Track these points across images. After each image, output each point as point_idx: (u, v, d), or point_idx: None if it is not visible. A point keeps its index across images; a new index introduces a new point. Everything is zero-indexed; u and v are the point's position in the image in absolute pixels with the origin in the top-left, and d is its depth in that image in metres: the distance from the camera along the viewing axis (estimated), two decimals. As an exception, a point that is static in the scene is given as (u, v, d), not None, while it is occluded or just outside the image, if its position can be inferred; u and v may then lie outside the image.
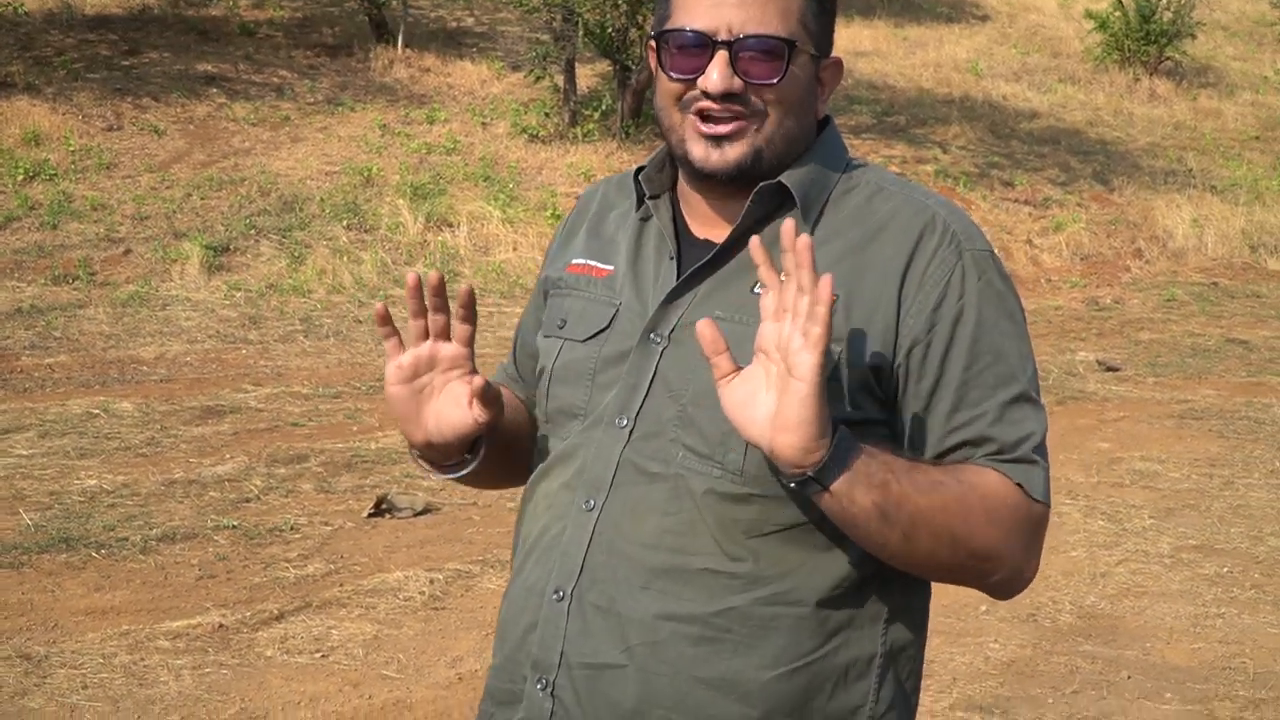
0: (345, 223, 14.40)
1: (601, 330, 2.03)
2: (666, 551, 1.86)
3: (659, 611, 1.86)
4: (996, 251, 1.95)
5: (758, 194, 1.91)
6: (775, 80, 1.88)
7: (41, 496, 7.79)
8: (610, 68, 17.88)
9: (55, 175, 14.77)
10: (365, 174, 15.62)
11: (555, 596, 1.92)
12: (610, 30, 17.11)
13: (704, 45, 1.87)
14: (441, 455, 2.06)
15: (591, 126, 17.27)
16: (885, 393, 1.87)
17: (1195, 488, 8.79)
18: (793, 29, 1.89)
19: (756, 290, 1.83)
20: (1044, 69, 22.64)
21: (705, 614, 1.84)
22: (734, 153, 1.89)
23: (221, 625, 6.06)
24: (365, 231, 14.35)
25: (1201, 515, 8.21)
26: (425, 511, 7.79)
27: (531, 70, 17.86)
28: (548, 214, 14.92)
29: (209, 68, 18.50)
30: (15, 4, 18.20)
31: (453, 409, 1.97)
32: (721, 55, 1.85)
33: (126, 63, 18.38)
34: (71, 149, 15.42)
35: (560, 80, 17.68)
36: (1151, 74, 23.05)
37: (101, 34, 19.41)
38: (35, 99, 16.41)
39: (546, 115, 17.70)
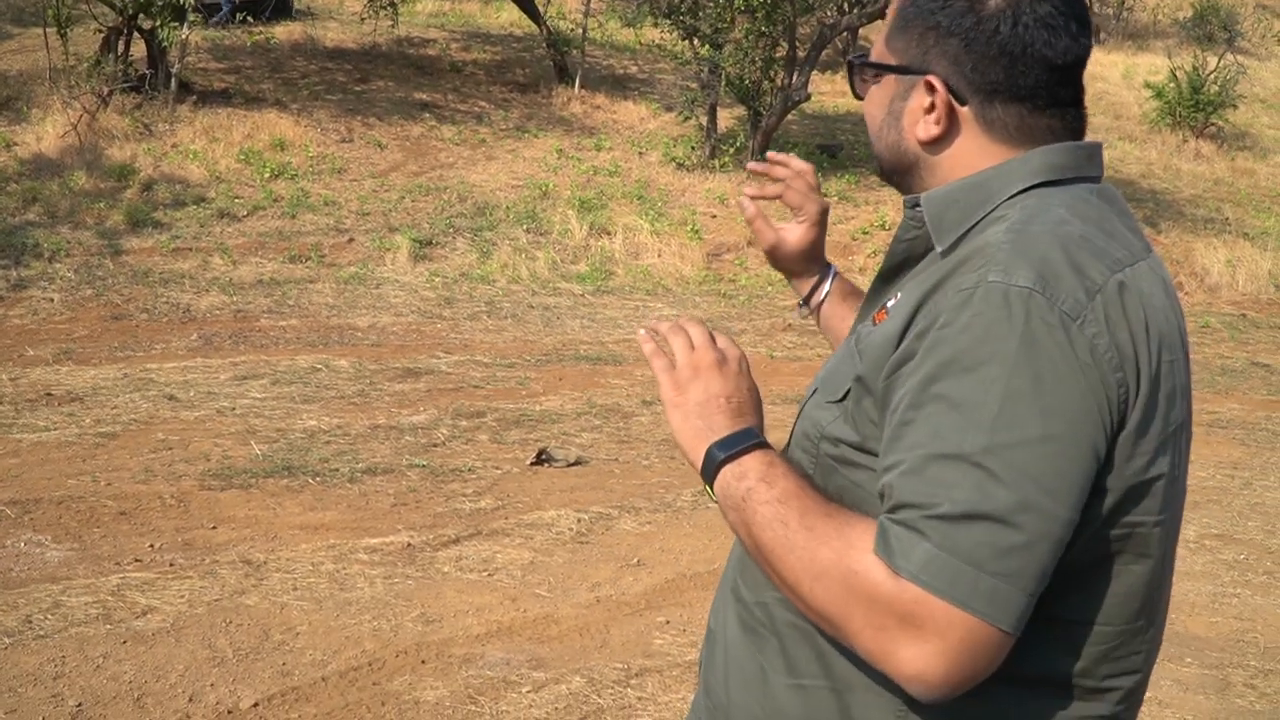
0: (525, 227, 14.40)
1: None
2: (732, 568, 1.68)
3: (730, 590, 1.66)
4: (1044, 296, 1.30)
5: (906, 208, 1.57)
6: (859, 98, 1.64)
7: (270, 432, 7.86)
8: (745, 112, 17.65)
9: (296, 175, 15.00)
10: (543, 189, 15.60)
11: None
12: (747, 82, 16.93)
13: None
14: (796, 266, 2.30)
15: (727, 159, 17.06)
16: (878, 419, 1.43)
17: (1219, 486, 8.40)
18: (880, 48, 1.59)
19: (886, 305, 1.51)
20: (1106, 128, 21.84)
21: (751, 601, 1.58)
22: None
23: (409, 544, 6.03)
24: (540, 235, 14.32)
25: (1223, 509, 7.84)
26: (577, 463, 7.70)
27: (681, 111, 17.72)
28: (688, 229, 14.78)
29: (424, 96, 18.70)
30: (268, 35, 18.52)
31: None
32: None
33: (358, 88, 18.64)
34: (310, 155, 15.66)
35: (704, 120, 17.49)
36: (1198, 136, 22.36)
37: (338, 63, 19.71)
38: (282, 112, 16.71)
39: (691, 149, 17.51)
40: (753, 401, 1.59)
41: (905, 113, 1.55)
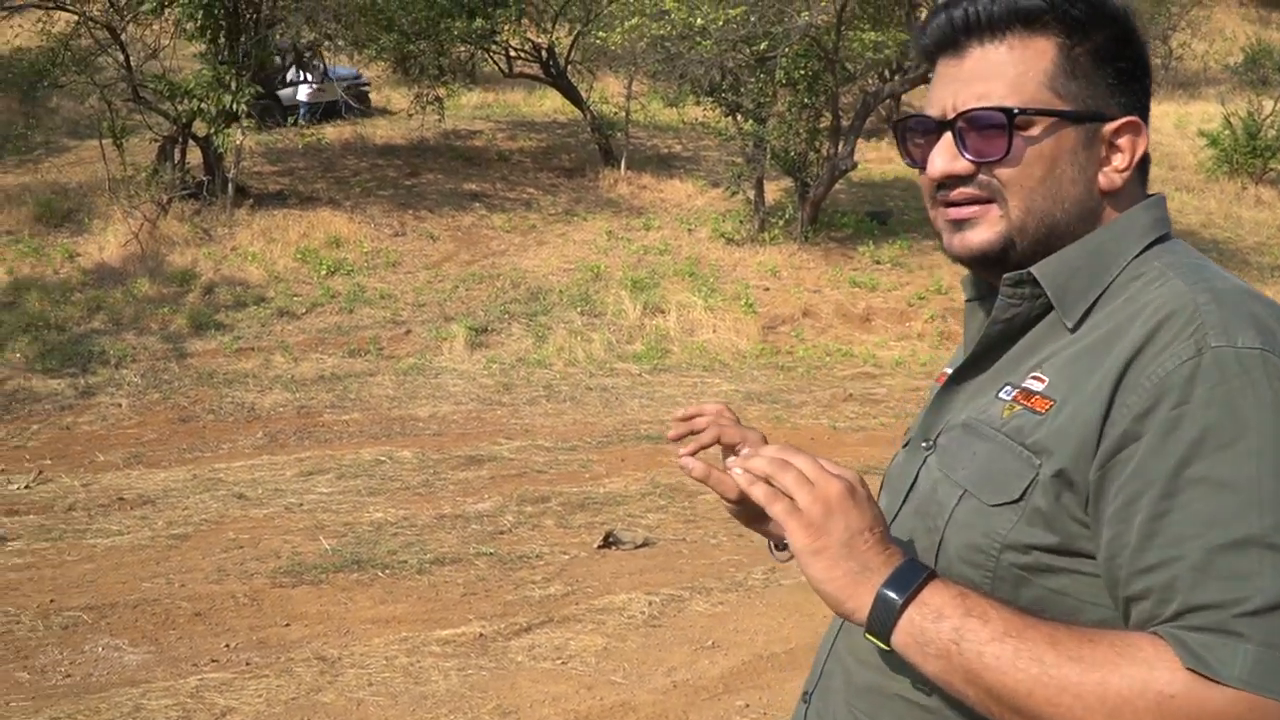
0: (579, 309, 14.50)
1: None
2: (873, 670, 1.44)
3: None
4: (1276, 355, 1.21)
5: (1006, 285, 1.41)
6: (999, 156, 1.37)
7: (338, 526, 7.91)
8: (793, 184, 17.75)
9: (352, 271, 15.26)
10: (595, 270, 15.74)
11: (803, 697, 1.62)
12: (793, 154, 17.05)
13: (932, 130, 1.44)
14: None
15: (777, 232, 17.13)
16: (1084, 516, 1.27)
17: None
18: (1027, 95, 1.37)
19: (1001, 395, 1.38)
20: (1161, 180, 21.72)
21: None
22: (976, 238, 1.41)
23: (481, 634, 6.01)
24: (595, 316, 14.42)
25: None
26: (645, 545, 7.67)
27: (728, 187, 17.87)
28: (742, 303, 14.81)
29: (473, 186, 19.02)
30: (319, 136, 18.94)
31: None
32: (945, 138, 1.41)
33: (408, 182, 18.98)
34: (365, 250, 15.94)
35: (751, 194, 17.61)
36: (1257, 182, 22.11)
37: (388, 159, 20.10)
38: (336, 210, 17.06)
39: (740, 223, 17.61)
40: (887, 526, 1.35)
41: (1092, 162, 1.40)
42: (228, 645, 5.83)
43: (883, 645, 1.28)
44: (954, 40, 1.42)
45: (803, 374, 13.16)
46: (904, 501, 1.49)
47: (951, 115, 1.41)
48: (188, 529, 7.74)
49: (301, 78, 22.16)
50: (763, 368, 13.35)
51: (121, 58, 16.85)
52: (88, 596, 6.39)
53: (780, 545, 1.86)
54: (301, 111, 22.24)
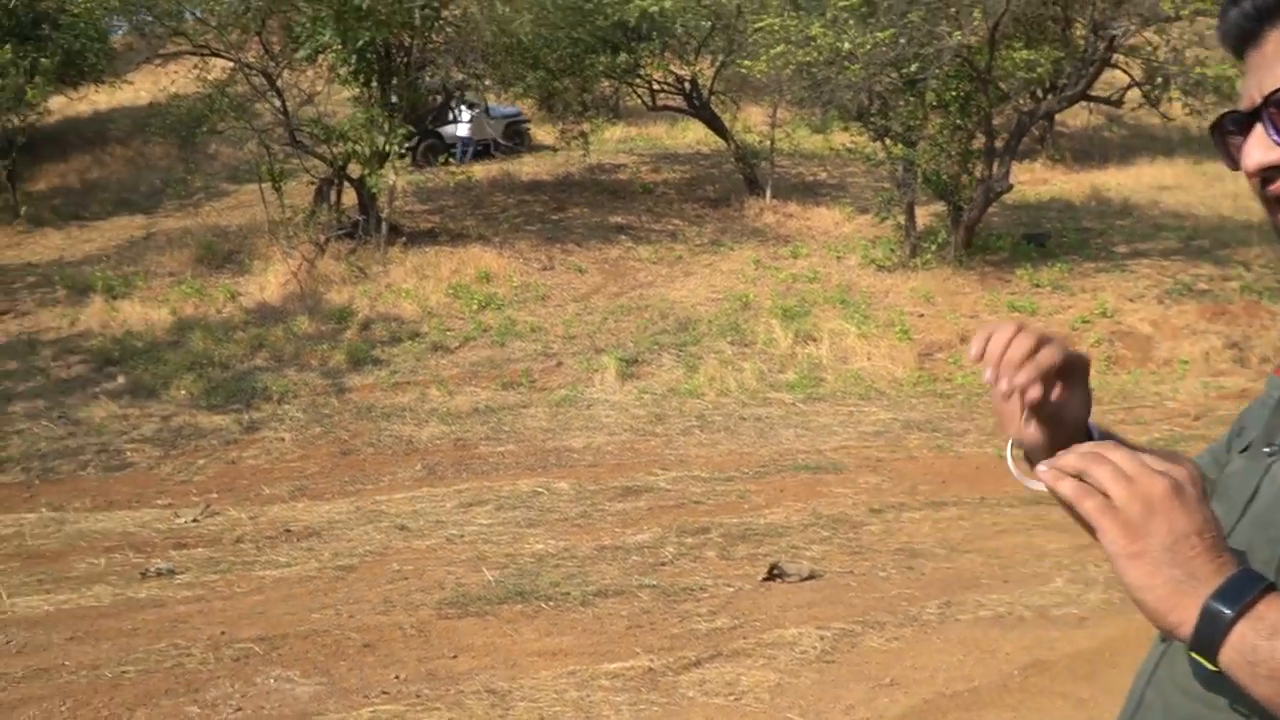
0: (729, 339, 14.34)
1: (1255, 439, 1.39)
2: (1195, 700, 1.29)
3: None
4: None
5: None
6: None
7: (499, 558, 7.86)
8: (944, 208, 17.34)
9: (502, 305, 15.38)
10: (743, 300, 15.59)
11: None
12: (944, 177, 16.65)
13: (1244, 123, 1.30)
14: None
15: (929, 257, 16.74)
16: None
17: None
18: None
19: None
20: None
21: None
22: None
23: (650, 669, 5.86)
24: (745, 346, 14.24)
25: None
26: (810, 577, 7.44)
27: (878, 212, 17.54)
28: (896, 330, 14.46)
29: (619, 219, 19.11)
30: (468, 174, 19.25)
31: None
32: (1256, 129, 1.27)
33: (555, 217, 19.15)
34: (514, 284, 16.09)
35: (902, 219, 17.26)
36: None
37: (535, 195, 20.32)
38: (486, 246, 17.29)
39: (891, 249, 17.29)
40: (1221, 532, 1.19)
41: None
42: (397, 676, 5.79)
43: (1209, 665, 1.14)
44: (1252, 32, 1.29)
45: (963, 401, 12.75)
46: (1242, 514, 1.31)
47: (1259, 101, 1.26)
48: (353, 560, 7.78)
49: (460, 116, 22.64)
50: (921, 395, 12.98)
51: (278, 103, 17.41)
52: (258, 628, 6.44)
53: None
54: (462, 148, 22.72)
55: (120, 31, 22.80)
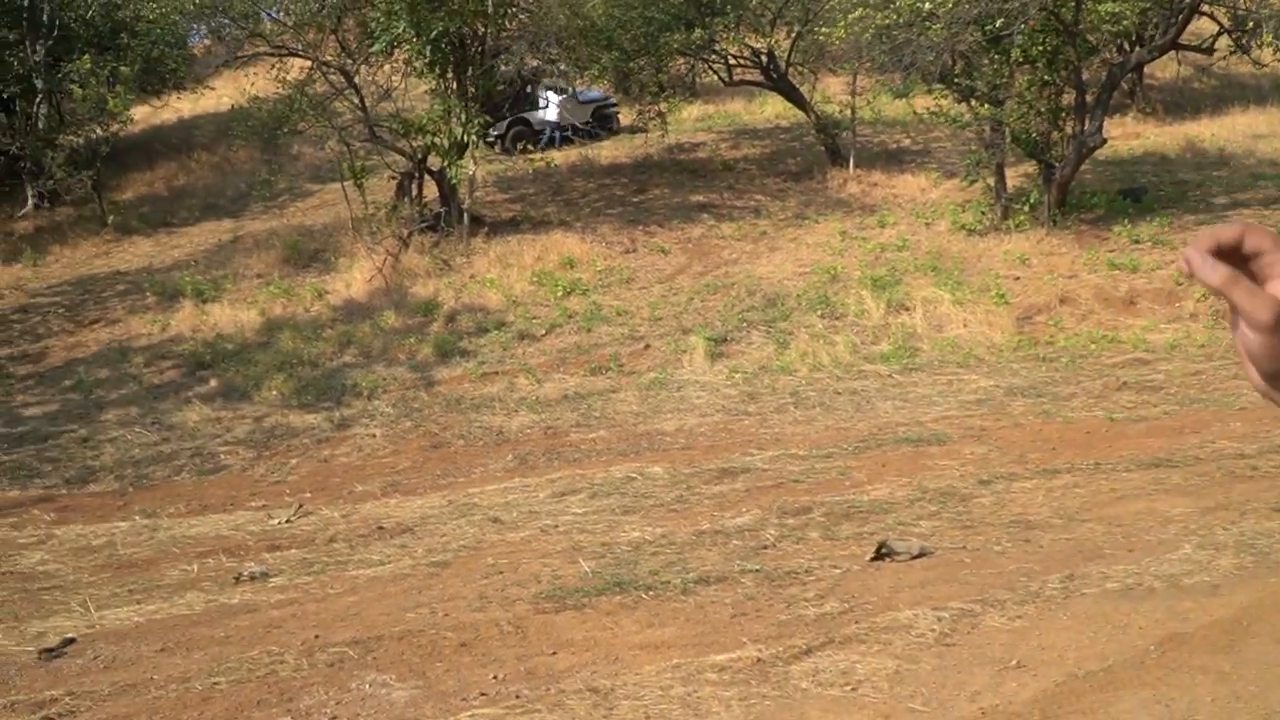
0: (819, 313, 13.93)
1: None
2: None
3: None
4: None
5: None
6: None
7: (595, 547, 7.56)
8: (1035, 167, 16.69)
9: (587, 290, 15.13)
10: (831, 272, 15.15)
11: None
12: (1034, 135, 15.98)
13: None
14: None
15: (1022, 218, 16.14)
16: None
17: None
18: None
19: None
20: None
21: None
22: None
23: (759, 659, 5.51)
24: (836, 319, 13.81)
25: None
26: (921, 555, 7.03)
27: (966, 175, 16.93)
28: (991, 294, 13.90)
29: (700, 198, 18.75)
30: (547, 161, 19.00)
31: None
32: None
33: (636, 199, 18.85)
34: (598, 269, 15.83)
35: (991, 182, 16.65)
36: None
37: (615, 178, 20.03)
38: (568, 232, 17.08)
39: (981, 213, 16.70)
40: None
41: None
42: (495, 677, 5.51)
43: None
44: None
45: (1067, 364, 12.18)
46: None
47: None
48: (447, 555, 7.54)
49: (547, 101, 22.60)
50: (1022, 360, 12.42)
51: (356, 100, 17.31)
52: (352, 630, 6.21)
53: None
54: (550, 133, 22.66)
55: (198, 37, 22.94)
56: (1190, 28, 16.17)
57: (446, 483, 9.64)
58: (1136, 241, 15.20)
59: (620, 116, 24.00)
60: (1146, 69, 21.07)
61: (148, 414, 12.13)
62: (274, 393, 12.59)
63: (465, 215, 17.08)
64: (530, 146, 22.18)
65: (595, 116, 23.55)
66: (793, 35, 20.40)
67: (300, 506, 9.00)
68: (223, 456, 10.92)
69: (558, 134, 22.84)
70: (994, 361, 12.42)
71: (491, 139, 22.50)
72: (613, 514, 8.32)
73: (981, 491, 8.22)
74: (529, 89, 22.23)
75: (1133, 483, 8.25)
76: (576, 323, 14.20)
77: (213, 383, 13.07)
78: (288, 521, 8.66)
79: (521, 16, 18.54)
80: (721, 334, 13.54)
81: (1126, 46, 18.28)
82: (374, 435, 11.26)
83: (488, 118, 18.28)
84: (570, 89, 22.49)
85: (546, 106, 22.99)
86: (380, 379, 12.76)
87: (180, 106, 26.08)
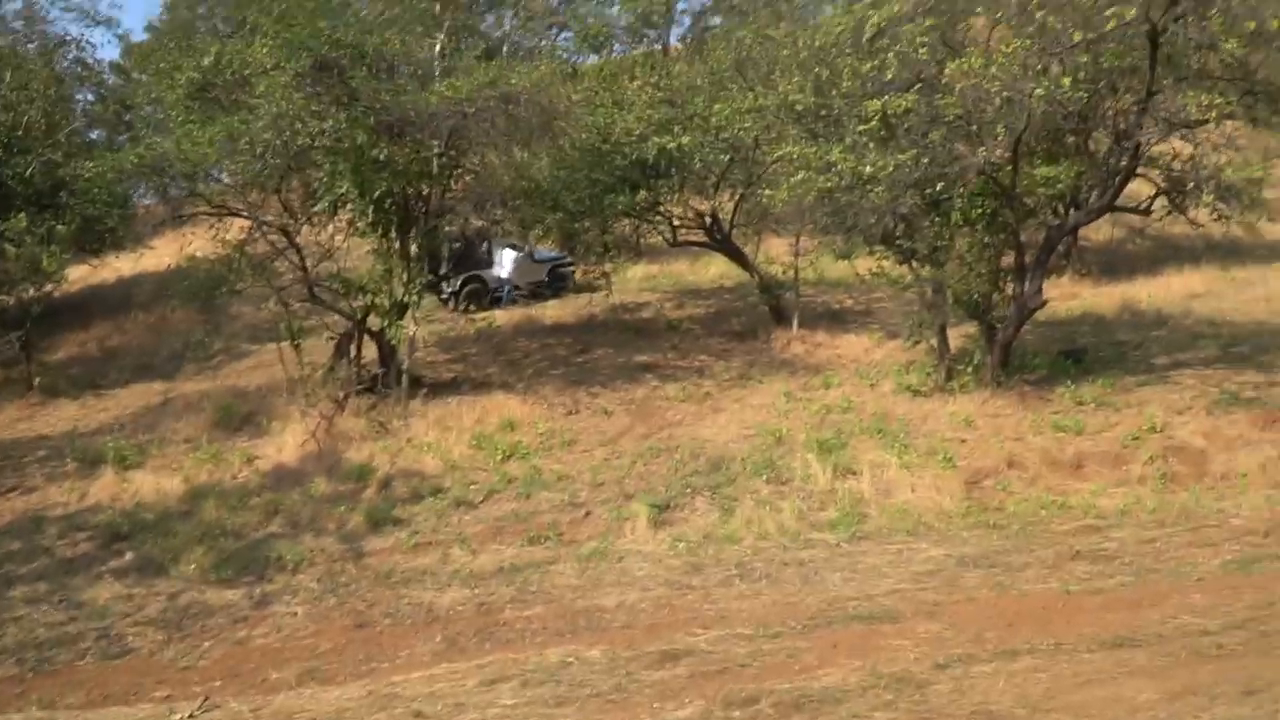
0: (764, 477, 13.46)
1: None
2: None
3: None
4: None
5: None
6: None
7: (527, 745, 6.89)
8: (977, 328, 16.54)
9: (527, 454, 14.68)
10: (777, 435, 14.77)
11: None
12: (976, 297, 15.89)
13: None
14: None
15: (966, 379, 15.94)
16: None
17: None
18: None
19: None
20: None
21: None
22: None
23: None
24: (782, 484, 13.34)
25: None
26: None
27: (909, 337, 16.74)
28: (939, 458, 13.54)
29: (644, 358, 18.49)
30: (489, 320, 18.67)
31: None
32: None
33: (580, 359, 18.55)
34: (539, 431, 15.39)
35: (934, 342, 16.49)
36: None
37: (558, 338, 19.73)
38: (509, 393, 16.70)
39: (925, 374, 16.51)
40: None
41: None
42: None
43: None
44: None
45: (1018, 531, 11.74)
46: None
47: None
48: (361, 759, 6.83)
49: (501, 259, 22.57)
50: (972, 527, 11.96)
51: (297, 260, 16.93)
52: None
53: None
54: (506, 291, 22.56)
55: (140, 196, 22.61)
56: (1125, 190, 16.26)
57: (369, 669, 8.93)
58: (1080, 403, 14.97)
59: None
60: (1081, 231, 21.21)
61: (57, 590, 11.33)
62: (192, 566, 11.84)
63: (404, 376, 16.65)
64: (478, 305, 21.94)
65: (551, 275, 23.48)
66: (736, 197, 20.46)
67: (206, 700, 8.23)
68: (131, 638, 10.13)
69: (513, 292, 22.69)
70: (944, 529, 11.95)
71: (444, 296, 22.38)
72: (545, 706, 7.66)
73: (939, 676, 7.65)
74: (486, 246, 22.13)
75: (1095, 665, 7.73)
76: (515, 488, 13.65)
77: (129, 555, 12.32)
78: (190, 717, 7.89)
79: (467, 177, 18.42)
80: (665, 500, 13.00)
81: (1062, 209, 18.39)
82: (295, 613, 10.53)
83: (432, 275, 18.03)
84: (528, 247, 22.39)
85: (501, 264, 22.89)
86: (307, 551, 12.07)
87: (120, 266, 25.63)
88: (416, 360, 17.38)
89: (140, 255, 24.07)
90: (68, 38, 24.73)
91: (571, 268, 23.70)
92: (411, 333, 16.77)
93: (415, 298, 16.61)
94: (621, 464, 14.28)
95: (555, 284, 23.44)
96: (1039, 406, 15.01)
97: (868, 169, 14.16)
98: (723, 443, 14.80)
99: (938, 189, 14.49)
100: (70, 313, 22.54)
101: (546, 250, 23.40)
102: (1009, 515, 12.29)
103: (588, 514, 12.86)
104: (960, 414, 15.07)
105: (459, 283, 22.16)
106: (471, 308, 21.64)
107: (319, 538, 12.48)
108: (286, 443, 15.00)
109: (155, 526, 12.90)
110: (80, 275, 23.85)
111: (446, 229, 18.40)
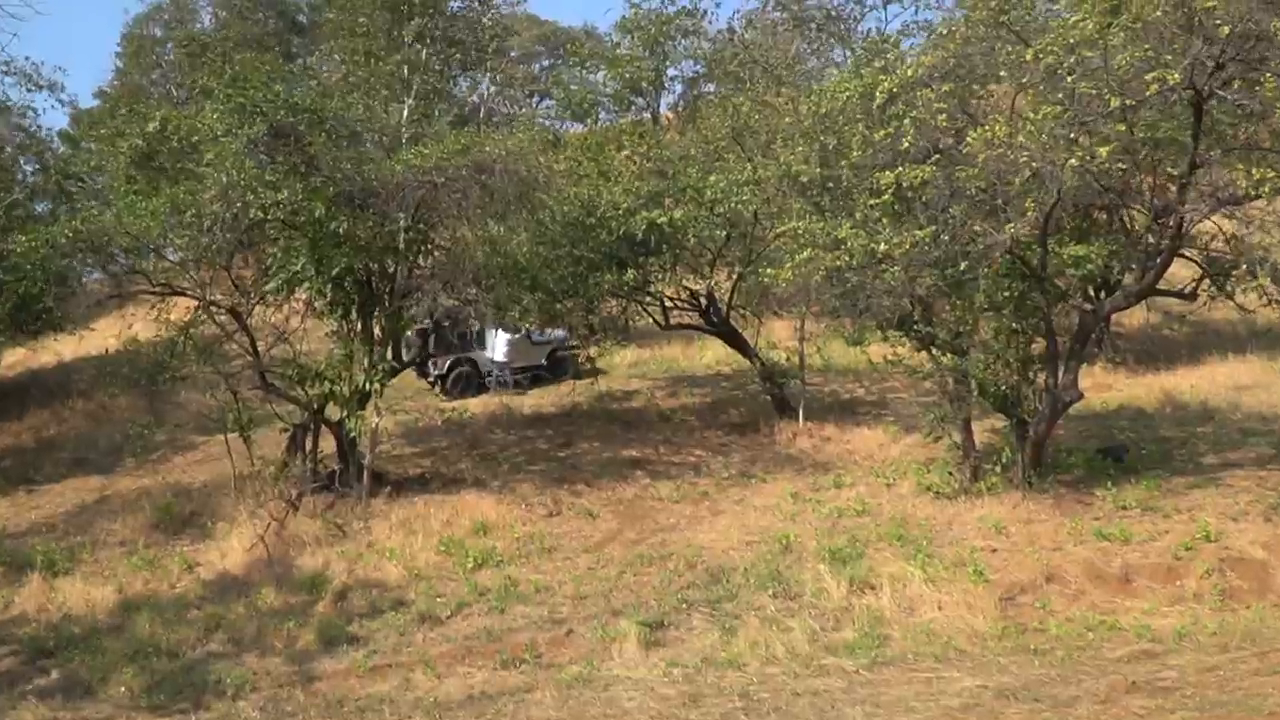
0: (770, 591, 12.81)
1: None
2: None
3: None
4: None
5: None
6: None
7: None
8: (1005, 422, 15.99)
9: (502, 561, 14.12)
10: (783, 541, 14.19)
11: None
12: (1004, 388, 15.36)
13: None
14: None
15: (994, 479, 15.39)
16: None
17: None
18: None
19: None
20: None
21: None
22: None
23: None
24: (790, 599, 12.68)
25: None
26: None
27: (929, 432, 16.26)
28: (969, 570, 12.85)
29: (633, 453, 18.03)
30: (461, 410, 18.16)
31: None
32: None
33: (562, 454, 18.07)
34: (515, 535, 14.87)
35: (958, 438, 15.96)
36: None
37: (538, 430, 19.26)
38: (483, 492, 16.20)
39: (949, 473, 15.97)
40: None
41: None
42: None
43: None
44: None
45: (1063, 658, 11.02)
46: None
47: None
48: None
49: (494, 341, 22.23)
50: (1010, 652, 11.24)
51: (248, 342, 16.43)
52: None
53: None
54: (497, 375, 22.18)
55: (86, 273, 22.10)
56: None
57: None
58: (1124, 508, 14.37)
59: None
60: (1114, 316, 20.79)
61: (-34, 718, 10.61)
62: (122, 689, 11.26)
63: (365, 473, 16.18)
64: (468, 391, 21.53)
65: (551, 359, 23.09)
66: (734, 276, 20.09)
67: None
68: (45, 777, 9.41)
69: (507, 376, 22.28)
70: (977, 654, 11.24)
71: (431, 379, 21.97)
72: None
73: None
74: (478, 327, 21.79)
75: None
76: (488, 602, 13.00)
77: (54, 674, 11.80)
78: None
79: (436, 253, 17.97)
80: (657, 616, 12.33)
81: (1092, 291, 17.96)
82: (231, 752, 9.80)
83: (395, 364, 17.50)
84: (527, 328, 22.01)
85: (495, 346, 22.52)
86: (249, 673, 11.40)
87: (60, 348, 25.18)
88: (379, 454, 16.91)
89: (81, 337, 23.62)
90: (7, 103, 24.32)
91: (575, 349, 23.34)
92: (374, 424, 16.30)
93: (378, 385, 16.15)
94: (608, 574, 13.68)
95: (555, 369, 23.05)
96: (1078, 511, 14.41)
97: (882, 246, 13.73)
98: (722, 550, 14.22)
99: (959, 269, 14.01)
100: (5, 399, 22.08)
101: (546, 331, 22.95)
102: (1051, 638, 11.57)
103: (569, 632, 12.18)
104: (990, 519, 14.47)
105: (446, 365, 21.78)
106: (458, 393, 21.27)
107: (264, 657, 11.85)
108: (232, 547, 14.45)
109: (83, 642, 12.37)
110: (17, 358, 23.34)
111: (413, 310, 17.84)
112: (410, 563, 13.98)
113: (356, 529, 15.05)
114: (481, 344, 22.55)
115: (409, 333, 20.25)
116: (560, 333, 23.10)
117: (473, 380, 21.99)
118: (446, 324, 20.85)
